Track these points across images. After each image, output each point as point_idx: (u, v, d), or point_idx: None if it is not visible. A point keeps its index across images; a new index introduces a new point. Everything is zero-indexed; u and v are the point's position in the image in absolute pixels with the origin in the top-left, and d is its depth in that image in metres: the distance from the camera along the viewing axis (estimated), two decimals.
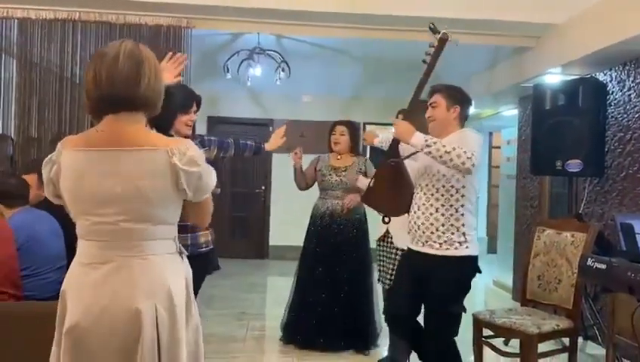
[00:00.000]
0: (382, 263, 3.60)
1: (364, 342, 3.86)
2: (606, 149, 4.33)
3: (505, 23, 4.37)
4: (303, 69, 6.12)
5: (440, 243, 2.66)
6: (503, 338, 3.55)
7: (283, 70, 5.89)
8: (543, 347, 2.97)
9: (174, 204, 1.60)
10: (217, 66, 5.99)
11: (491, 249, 8.30)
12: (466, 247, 2.67)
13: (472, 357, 3.17)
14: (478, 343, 3.14)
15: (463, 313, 2.77)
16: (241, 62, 5.87)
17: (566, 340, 3.16)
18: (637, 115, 4.05)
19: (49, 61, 4.36)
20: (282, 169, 4.12)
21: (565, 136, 4.22)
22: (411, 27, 4.49)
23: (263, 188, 7.85)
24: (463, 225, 2.66)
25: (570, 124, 4.21)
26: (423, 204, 2.71)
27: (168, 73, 2.14)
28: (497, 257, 7.15)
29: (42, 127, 4.32)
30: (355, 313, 3.86)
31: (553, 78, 4.69)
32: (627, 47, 3.82)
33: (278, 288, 4.13)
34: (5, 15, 4.29)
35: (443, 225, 2.65)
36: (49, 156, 1.64)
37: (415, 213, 2.75)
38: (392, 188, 2.80)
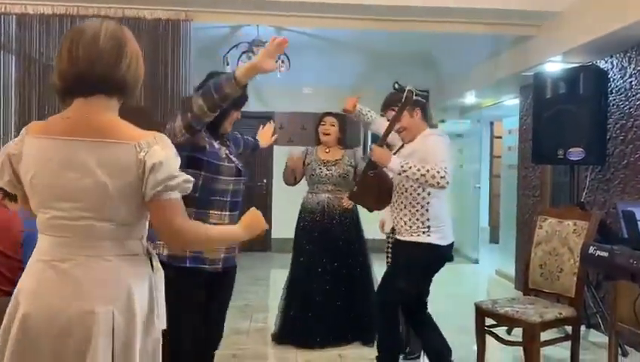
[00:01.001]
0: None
1: (369, 333, 3.79)
2: (608, 137, 4.32)
3: (505, 12, 4.35)
4: (303, 61, 6.09)
5: (406, 233, 2.98)
6: (506, 328, 3.56)
7: (283, 62, 5.87)
8: (545, 335, 2.98)
9: (140, 203, 1.45)
10: (217, 59, 5.97)
11: (494, 238, 8.31)
12: (428, 235, 2.93)
13: (475, 347, 3.18)
14: (481, 332, 3.15)
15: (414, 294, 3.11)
16: (241, 55, 5.85)
17: (569, 328, 3.17)
18: (638, 103, 4.04)
19: (48, 57, 4.35)
20: (284, 162, 4.10)
21: (566, 125, 4.21)
22: (413, 17, 4.48)
23: (265, 181, 7.86)
24: (428, 219, 2.94)
25: (572, 113, 4.19)
26: (395, 201, 3.04)
27: (269, 59, 1.94)
28: (500, 247, 7.16)
29: None
30: (357, 307, 3.83)
31: (554, 66, 4.67)
32: (628, 34, 3.80)
33: (281, 281, 4.12)
34: (3, 11, 4.29)
35: (410, 219, 2.96)
36: (11, 142, 1.53)
37: (391, 206, 3.09)
38: (376, 191, 3.09)
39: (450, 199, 8.93)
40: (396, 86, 3.02)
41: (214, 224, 2.18)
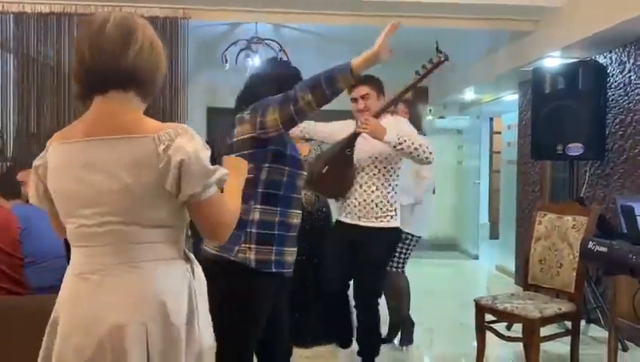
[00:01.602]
0: None
1: (346, 336, 3.52)
2: (607, 132, 4.31)
3: (504, 7, 4.34)
4: (302, 58, 6.05)
5: (376, 217, 2.93)
6: (506, 324, 3.56)
7: (281, 59, 5.85)
8: (545, 331, 2.98)
9: (168, 202, 1.33)
10: (215, 57, 5.96)
11: (493, 234, 8.31)
12: (395, 220, 2.97)
13: (475, 343, 3.18)
14: (481, 328, 3.15)
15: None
16: (239, 53, 5.84)
17: (569, 324, 3.17)
18: (637, 97, 4.03)
19: (46, 55, 4.34)
20: None
21: (565, 120, 4.21)
22: (411, 13, 4.46)
23: None
24: (395, 201, 2.96)
25: (571, 108, 4.19)
26: (365, 183, 2.94)
27: (386, 48, 1.85)
28: (499, 242, 7.16)
29: (41, 123, 4.32)
30: (333, 308, 3.49)
31: (553, 61, 4.66)
32: (627, 29, 3.79)
33: None
34: (1, 9, 4.28)
35: (381, 202, 2.92)
36: (40, 155, 1.44)
37: (357, 190, 2.95)
38: (342, 173, 2.98)
39: (450, 195, 8.94)
40: (437, 46, 2.94)
41: (296, 225, 2.07)
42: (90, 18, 1.36)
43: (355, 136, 2.89)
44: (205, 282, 1.45)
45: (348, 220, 2.99)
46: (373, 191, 2.91)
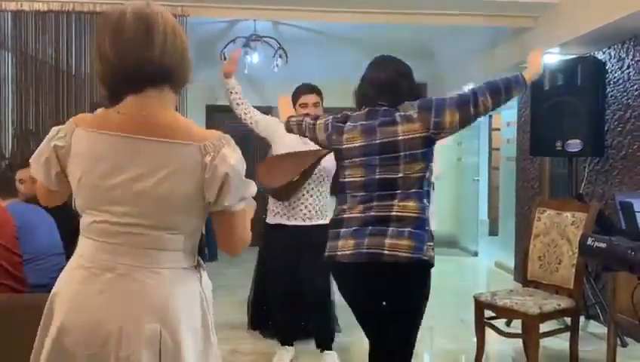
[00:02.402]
0: None
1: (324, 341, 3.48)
2: (606, 128, 4.31)
3: (503, 3, 4.35)
4: (301, 55, 6.08)
5: (317, 217, 3.24)
6: (505, 320, 3.57)
7: (280, 57, 5.86)
8: (545, 327, 2.99)
9: (200, 212, 1.31)
10: (214, 54, 5.96)
11: (493, 231, 8.32)
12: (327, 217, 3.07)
13: (475, 339, 3.19)
14: (480, 325, 3.15)
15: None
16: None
17: (568, 320, 3.18)
18: (636, 93, 4.03)
19: (44, 53, 4.34)
20: None
21: (564, 117, 4.21)
22: (411, 10, 4.46)
23: None
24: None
25: (570, 104, 4.19)
26: (312, 188, 3.23)
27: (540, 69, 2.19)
28: (499, 239, 7.17)
29: (40, 120, 4.31)
30: (313, 310, 3.49)
31: (552, 57, 4.66)
32: (625, 25, 3.79)
33: None
34: None
35: (324, 205, 3.27)
36: (55, 130, 1.34)
37: (303, 195, 3.23)
38: (299, 181, 3.17)
39: (449, 192, 8.94)
40: None
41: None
42: (106, 15, 1.30)
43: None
44: (211, 287, 1.43)
45: (293, 223, 3.25)
46: (318, 196, 3.25)
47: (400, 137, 2.00)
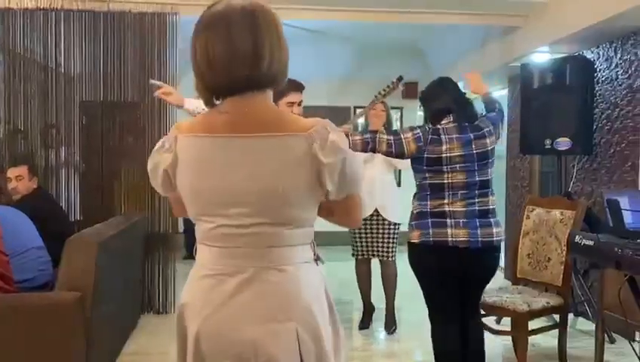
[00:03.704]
0: (373, 238, 3.95)
1: None
2: (594, 127, 4.35)
3: (492, 2, 4.36)
4: (291, 53, 6.04)
5: None
6: (495, 317, 3.59)
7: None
8: (534, 324, 3.01)
9: (314, 202, 1.29)
10: None
11: None
12: None
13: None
14: None
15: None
16: None
17: (557, 317, 3.20)
18: (624, 92, 4.07)
19: (33, 51, 4.30)
20: None
21: (554, 115, 4.23)
22: (400, 9, 4.47)
23: None
24: None
25: (559, 103, 4.21)
26: None
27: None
28: None
29: (28, 119, 4.28)
30: None
31: (541, 56, 4.69)
32: (614, 24, 3.81)
33: None
34: None
35: None
36: (160, 142, 1.33)
37: None
38: None
39: None
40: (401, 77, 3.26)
41: None
42: (212, 17, 1.26)
43: None
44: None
45: None
46: None
47: (489, 148, 2.64)
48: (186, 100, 2.92)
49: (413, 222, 2.67)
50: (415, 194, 2.71)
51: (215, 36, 1.24)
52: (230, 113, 1.26)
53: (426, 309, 2.76)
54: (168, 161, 1.30)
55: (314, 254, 1.34)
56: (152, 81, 2.99)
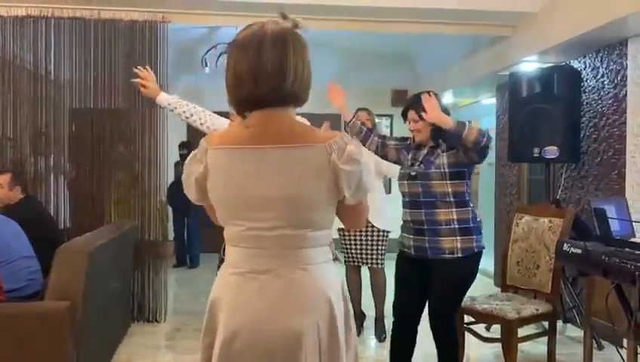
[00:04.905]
0: (362, 245, 3.99)
1: None
2: (581, 136, 4.40)
3: (480, 12, 4.41)
4: None
5: None
6: (485, 325, 3.61)
7: None
8: (523, 331, 3.03)
9: (332, 207, 1.42)
10: (195, 61, 5.95)
11: None
12: None
13: None
14: (460, 330, 3.18)
15: None
16: (219, 56, 5.83)
17: (546, 324, 3.23)
18: (610, 102, 4.13)
19: (22, 59, 4.28)
20: None
21: (542, 124, 4.28)
22: (388, 18, 4.51)
23: None
24: None
25: (546, 112, 4.27)
26: None
27: None
28: None
29: (17, 126, 4.25)
30: None
31: (529, 66, 4.74)
32: (600, 35, 3.88)
33: None
34: None
35: None
36: (192, 154, 1.46)
37: None
38: None
39: None
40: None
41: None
42: (246, 37, 1.38)
43: None
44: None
45: None
46: None
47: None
48: (162, 94, 2.92)
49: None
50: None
51: (246, 54, 1.36)
52: (256, 126, 1.39)
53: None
54: (199, 171, 1.42)
55: (332, 254, 1.47)
56: (137, 71, 2.96)
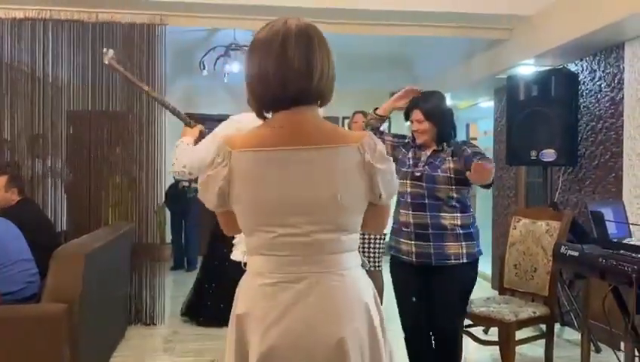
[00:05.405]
0: (359, 248, 3.96)
1: None
2: (579, 139, 4.41)
3: (477, 16, 4.42)
4: None
5: None
6: (483, 327, 3.61)
7: None
8: (521, 334, 3.03)
9: (364, 208, 1.36)
10: (193, 63, 5.94)
11: None
12: None
13: None
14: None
15: None
16: (217, 59, 5.82)
17: (544, 327, 3.23)
18: (607, 104, 4.14)
19: (20, 61, 4.28)
20: None
21: (539, 127, 4.29)
22: (386, 21, 4.52)
23: None
24: None
25: (544, 115, 4.27)
26: None
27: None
28: None
29: (15, 129, 4.25)
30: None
31: (527, 69, 4.75)
32: (597, 38, 3.89)
33: None
34: None
35: None
36: (211, 159, 1.35)
37: None
38: None
39: None
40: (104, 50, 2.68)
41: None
42: (268, 35, 1.32)
43: None
44: None
45: None
46: None
47: None
48: None
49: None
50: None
51: (270, 52, 1.30)
52: (284, 127, 1.32)
53: None
54: (223, 175, 1.32)
55: (361, 259, 1.42)
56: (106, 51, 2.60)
